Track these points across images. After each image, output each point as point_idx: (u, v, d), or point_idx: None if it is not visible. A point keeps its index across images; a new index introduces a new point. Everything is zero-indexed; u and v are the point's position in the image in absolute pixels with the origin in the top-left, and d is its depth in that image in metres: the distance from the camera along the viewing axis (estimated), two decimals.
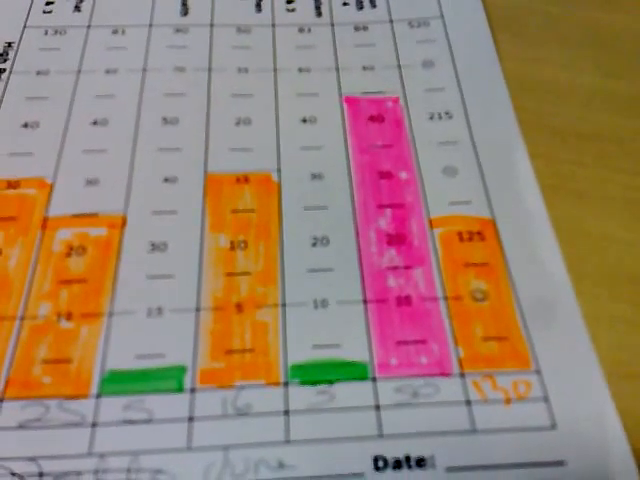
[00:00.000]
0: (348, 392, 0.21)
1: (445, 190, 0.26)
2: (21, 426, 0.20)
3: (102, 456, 0.19)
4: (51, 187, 0.25)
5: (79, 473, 0.19)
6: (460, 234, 0.24)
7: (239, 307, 0.22)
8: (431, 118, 0.28)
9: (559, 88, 0.30)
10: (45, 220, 0.24)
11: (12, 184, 0.25)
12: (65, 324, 0.22)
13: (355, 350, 0.22)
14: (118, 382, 0.21)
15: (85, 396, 0.20)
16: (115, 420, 0.20)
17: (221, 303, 0.22)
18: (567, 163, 0.27)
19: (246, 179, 0.26)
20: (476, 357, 0.22)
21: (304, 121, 0.28)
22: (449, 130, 0.28)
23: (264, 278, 0.23)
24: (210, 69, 0.30)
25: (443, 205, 0.25)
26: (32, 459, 0.19)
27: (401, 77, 0.30)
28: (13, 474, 0.19)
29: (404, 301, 0.23)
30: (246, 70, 0.30)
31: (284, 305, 0.23)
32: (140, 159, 0.26)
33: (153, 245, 0.24)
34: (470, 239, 0.24)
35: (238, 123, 0.28)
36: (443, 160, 0.27)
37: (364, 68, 0.30)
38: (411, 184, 0.26)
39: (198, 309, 0.22)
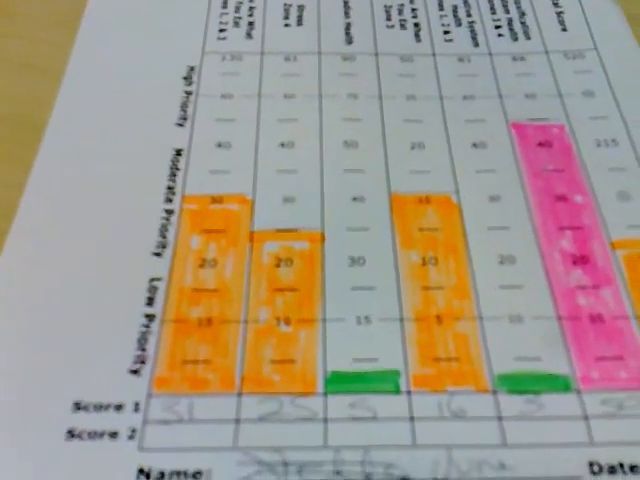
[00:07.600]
0: (555, 402, 0.22)
1: (622, 214, 0.27)
2: (261, 418, 0.21)
3: (337, 449, 0.21)
4: (252, 203, 0.27)
5: (319, 464, 0.20)
6: None
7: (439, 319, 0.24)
8: (598, 145, 0.30)
9: None
10: (251, 234, 0.26)
11: (216, 199, 0.27)
12: (284, 328, 0.24)
13: (556, 363, 0.23)
14: (341, 382, 0.22)
15: (313, 394, 0.22)
16: (344, 417, 0.21)
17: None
18: None
19: (427, 200, 0.28)
20: None
21: (475, 146, 0.30)
22: (617, 157, 0.29)
23: (458, 292, 0.25)
24: (380, 97, 0.32)
25: (622, 228, 0.26)
26: (277, 450, 0.21)
27: (563, 105, 0.31)
28: (260, 462, 0.20)
29: (597, 319, 0.24)
30: (414, 97, 0.32)
31: (481, 318, 0.24)
32: (328, 179, 0.28)
33: (352, 259, 0.26)
34: None
35: (413, 147, 0.30)
36: (615, 185, 0.28)
37: (526, 96, 0.32)
38: (587, 207, 0.27)
39: (402, 319, 0.24)
